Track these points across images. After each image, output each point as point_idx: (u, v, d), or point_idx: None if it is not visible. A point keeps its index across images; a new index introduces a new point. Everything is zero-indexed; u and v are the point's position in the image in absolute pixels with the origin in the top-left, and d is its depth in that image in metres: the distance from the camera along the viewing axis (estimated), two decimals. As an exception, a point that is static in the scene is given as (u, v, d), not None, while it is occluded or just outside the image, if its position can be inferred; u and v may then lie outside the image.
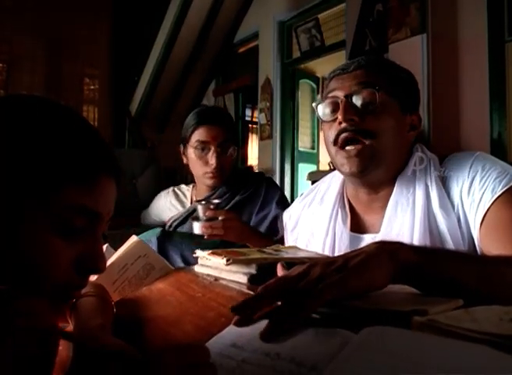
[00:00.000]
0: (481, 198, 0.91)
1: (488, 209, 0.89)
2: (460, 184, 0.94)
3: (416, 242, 0.93)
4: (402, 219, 0.98)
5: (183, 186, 1.77)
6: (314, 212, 1.15)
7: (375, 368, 0.39)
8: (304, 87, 5.09)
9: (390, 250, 0.60)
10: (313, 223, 1.14)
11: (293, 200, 4.75)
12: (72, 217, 0.51)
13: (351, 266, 0.57)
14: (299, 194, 4.66)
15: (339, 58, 4.10)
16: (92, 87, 5.71)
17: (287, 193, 4.69)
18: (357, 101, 0.97)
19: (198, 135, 1.56)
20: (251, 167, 1.99)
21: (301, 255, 0.90)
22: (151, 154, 4.72)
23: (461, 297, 0.57)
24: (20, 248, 0.49)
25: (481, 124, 2.92)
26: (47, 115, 0.54)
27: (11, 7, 4.90)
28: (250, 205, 1.59)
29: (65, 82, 5.33)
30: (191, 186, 1.74)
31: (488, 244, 0.89)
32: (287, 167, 4.72)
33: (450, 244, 0.92)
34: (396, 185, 1.00)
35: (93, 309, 0.72)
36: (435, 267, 0.62)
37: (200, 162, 1.56)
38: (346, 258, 0.59)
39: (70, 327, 0.72)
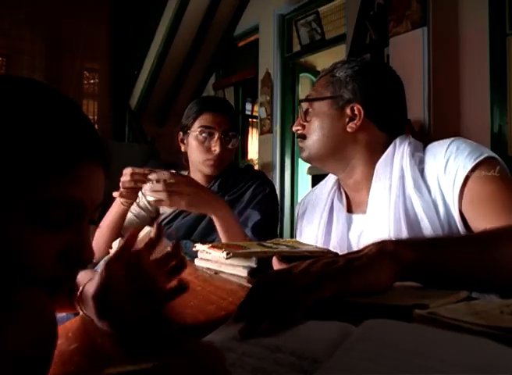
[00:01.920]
0: (455, 176, 0.95)
1: (465, 186, 0.94)
2: (437, 165, 0.99)
3: (393, 223, 0.99)
4: (382, 202, 1.04)
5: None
6: (317, 194, 1.27)
7: (376, 360, 0.39)
8: (305, 80, 5.07)
9: (391, 252, 0.60)
10: (314, 200, 1.26)
11: (293, 194, 4.73)
12: (52, 211, 0.47)
13: (353, 268, 0.57)
14: (299, 188, 4.69)
15: (339, 52, 4.09)
16: (92, 81, 5.70)
17: (287, 187, 4.69)
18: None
19: (203, 120, 1.51)
20: (252, 166, 1.88)
21: (302, 248, 0.90)
22: (151, 148, 4.72)
23: (464, 285, 0.58)
24: (1, 245, 0.46)
25: (482, 118, 2.91)
26: (14, 96, 0.48)
27: (9, 1, 4.88)
28: (235, 207, 1.52)
29: (65, 76, 5.32)
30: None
31: (477, 220, 0.92)
32: (287, 161, 4.71)
33: (426, 224, 0.97)
34: (375, 170, 1.08)
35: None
36: (436, 262, 0.63)
37: (201, 148, 1.51)
38: (347, 259, 0.59)
39: (69, 322, 0.72)
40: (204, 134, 1.51)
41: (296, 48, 4.71)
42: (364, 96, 1.09)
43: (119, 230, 1.44)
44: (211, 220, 1.39)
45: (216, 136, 1.50)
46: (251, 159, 5.71)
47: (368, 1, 3.44)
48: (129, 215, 1.56)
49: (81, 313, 0.70)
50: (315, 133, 1.12)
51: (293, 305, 0.53)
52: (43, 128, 0.47)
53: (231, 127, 1.53)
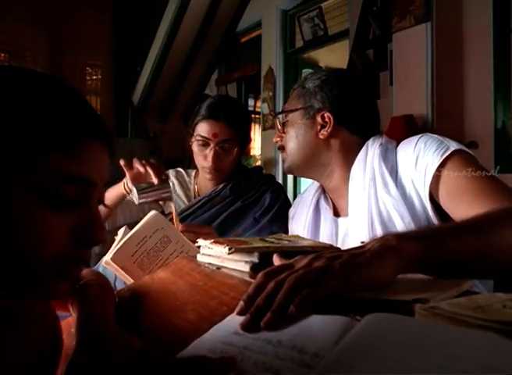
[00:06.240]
0: (425, 172, 1.00)
1: (438, 182, 0.98)
2: (408, 163, 1.04)
3: (369, 223, 1.04)
4: (358, 204, 1.09)
5: (183, 174, 1.71)
6: (304, 197, 1.33)
7: (378, 354, 0.39)
8: (307, 76, 5.05)
9: (393, 247, 0.61)
10: (302, 203, 1.31)
11: (295, 190, 4.73)
12: (62, 188, 0.47)
13: (356, 263, 0.58)
14: (301, 184, 4.68)
15: (342, 48, 4.08)
16: (95, 77, 5.69)
17: (290, 183, 4.69)
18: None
19: (200, 129, 1.51)
20: (261, 168, 1.87)
21: (304, 243, 0.90)
22: (154, 144, 4.72)
23: (467, 273, 0.61)
24: (13, 227, 0.46)
25: (485, 113, 2.90)
26: (19, 81, 0.49)
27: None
28: (252, 211, 1.53)
29: (67, 72, 5.31)
30: (193, 176, 1.68)
31: (460, 210, 0.94)
32: (290, 157, 4.70)
33: (398, 220, 1.01)
34: (350, 173, 1.13)
35: (95, 298, 0.71)
36: (438, 253, 0.65)
37: (199, 155, 1.52)
38: (351, 254, 0.60)
39: (72, 317, 0.72)
40: (201, 143, 1.51)
41: (299, 43, 4.70)
42: (332, 103, 1.14)
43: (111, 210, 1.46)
44: (226, 218, 1.44)
45: (210, 147, 1.49)
46: (254, 155, 5.70)
47: (371, -4, 3.43)
48: (128, 198, 1.56)
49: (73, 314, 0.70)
50: (291, 143, 1.20)
51: (295, 300, 0.53)
52: (47, 108, 0.48)
53: (232, 136, 1.50)
